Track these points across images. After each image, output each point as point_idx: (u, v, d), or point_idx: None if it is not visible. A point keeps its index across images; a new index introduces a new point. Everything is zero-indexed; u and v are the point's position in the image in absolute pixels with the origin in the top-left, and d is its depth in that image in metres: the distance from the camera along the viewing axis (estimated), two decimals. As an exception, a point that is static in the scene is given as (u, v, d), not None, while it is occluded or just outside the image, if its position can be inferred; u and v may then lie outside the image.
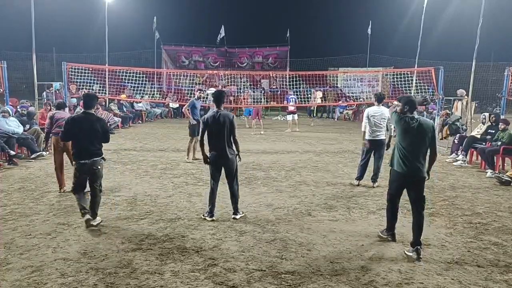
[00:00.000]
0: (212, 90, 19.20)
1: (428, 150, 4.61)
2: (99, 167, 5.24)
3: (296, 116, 16.69)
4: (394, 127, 4.83)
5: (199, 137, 5.71)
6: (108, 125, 14.46)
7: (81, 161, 5.15)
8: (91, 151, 5.16)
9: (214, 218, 5.50)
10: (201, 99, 10.77)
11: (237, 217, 5.54)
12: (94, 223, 5.15)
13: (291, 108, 16.46)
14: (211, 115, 5.53)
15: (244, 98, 19.28)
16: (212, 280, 3.83)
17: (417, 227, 4.46)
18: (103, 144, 5.35)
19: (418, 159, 4.51)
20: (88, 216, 5.10)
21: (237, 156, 5.64)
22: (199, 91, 10.35)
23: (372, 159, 7.52)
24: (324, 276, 3.96)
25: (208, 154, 5.56)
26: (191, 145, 9.67)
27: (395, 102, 17.19)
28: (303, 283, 3.80)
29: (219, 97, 5.66)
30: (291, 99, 16.53)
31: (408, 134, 4.56)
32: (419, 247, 4.36)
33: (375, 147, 7.39)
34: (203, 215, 5.56)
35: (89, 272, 3.95)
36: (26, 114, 10.94)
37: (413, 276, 3.99)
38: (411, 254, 4.36)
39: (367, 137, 7.44)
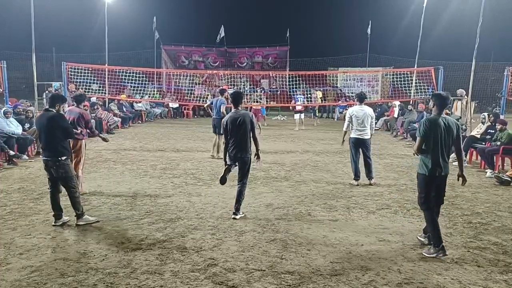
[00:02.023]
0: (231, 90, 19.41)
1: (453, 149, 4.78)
2: (59, 164, 5.10)
3: (303, 116, 17.14)
4: (421, 132, 4.63)
5: (223, 139, 5.79)
6: (108, 125, 14.56)
7: (44, 158, 5.17)
8: (51, 148, 5.12)
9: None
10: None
11: (237, 217, 5.54)
12: (81, 223, 5.17)
13: (298, 108, 16.85)
14: (230, 117, 5.61)
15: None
16: (212, 280, 3.83)
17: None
18: (68, 140, 5.32)
19: (447, 157, 4.60)
20: (59, 222, 5.17)
21: (256, 156, 5.71)
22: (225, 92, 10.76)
23: (362, 159, 7.64)
24: (324, 276, 3.96)
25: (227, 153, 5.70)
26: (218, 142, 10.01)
27: (395, 102, 17.27)
28: (303, 283, 3.80)
29: (237, 98, 5.72)
30: (299, 99, 16.92)
31: (437, 133, 4.51)
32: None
33: (360, 145, 7.53)
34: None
35: (89, 272, 3.95)
36: (22, 112, 10.93)
37: (413, 276, 3.99)
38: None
39: (352, 135, 7.56)
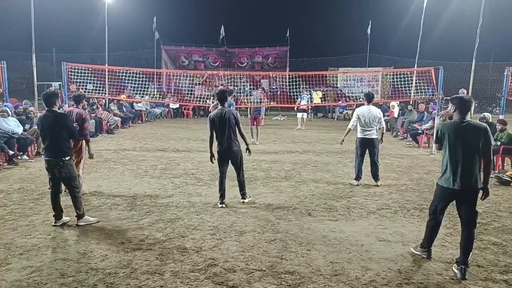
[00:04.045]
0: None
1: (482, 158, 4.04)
2: (62, 164, 5.10)
3: (305, 115, 17.57)
4: (438, 138, 4.26)
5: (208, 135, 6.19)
6: (108, 125, 14.55)
7: (46, 158, 5.17)
8: (54, 148, 5.11)
9: (224, 205, 6.04)
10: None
11: (246, 200, 6.14)
12: (81, 223, 5.19)
13: (303, 107, 17.24)
14: (216, 113, 6.03)
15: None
16: (212, 280, 3.83)
17: (465, 246, 4.05)
18: (70, 140, 5.32)
19: (470, 169, 3.98)
20: (59, 223, 5.17)
21: (247, 150, 6.21)
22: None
23: (368, 159, 7.58)
24: (324, 276, 3.96)
25: (215, 149, 6.13)
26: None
27: (393, 103, 17.25)
28: (303, 283, 3.80)
29: (222, 96, 6.15)
30: (304, 98, 17.31)
31: (456, 141, 4.01)
32: (463, 266, 3.95)
33: (367, 145, 7.49)
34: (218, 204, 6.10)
35: (89, 272, 3.95)
36: (23, 113, 10.95)
37: (413, 276, 3.99)
38: (456, 271, 4.00)
39: (359, 135, 7.53)
